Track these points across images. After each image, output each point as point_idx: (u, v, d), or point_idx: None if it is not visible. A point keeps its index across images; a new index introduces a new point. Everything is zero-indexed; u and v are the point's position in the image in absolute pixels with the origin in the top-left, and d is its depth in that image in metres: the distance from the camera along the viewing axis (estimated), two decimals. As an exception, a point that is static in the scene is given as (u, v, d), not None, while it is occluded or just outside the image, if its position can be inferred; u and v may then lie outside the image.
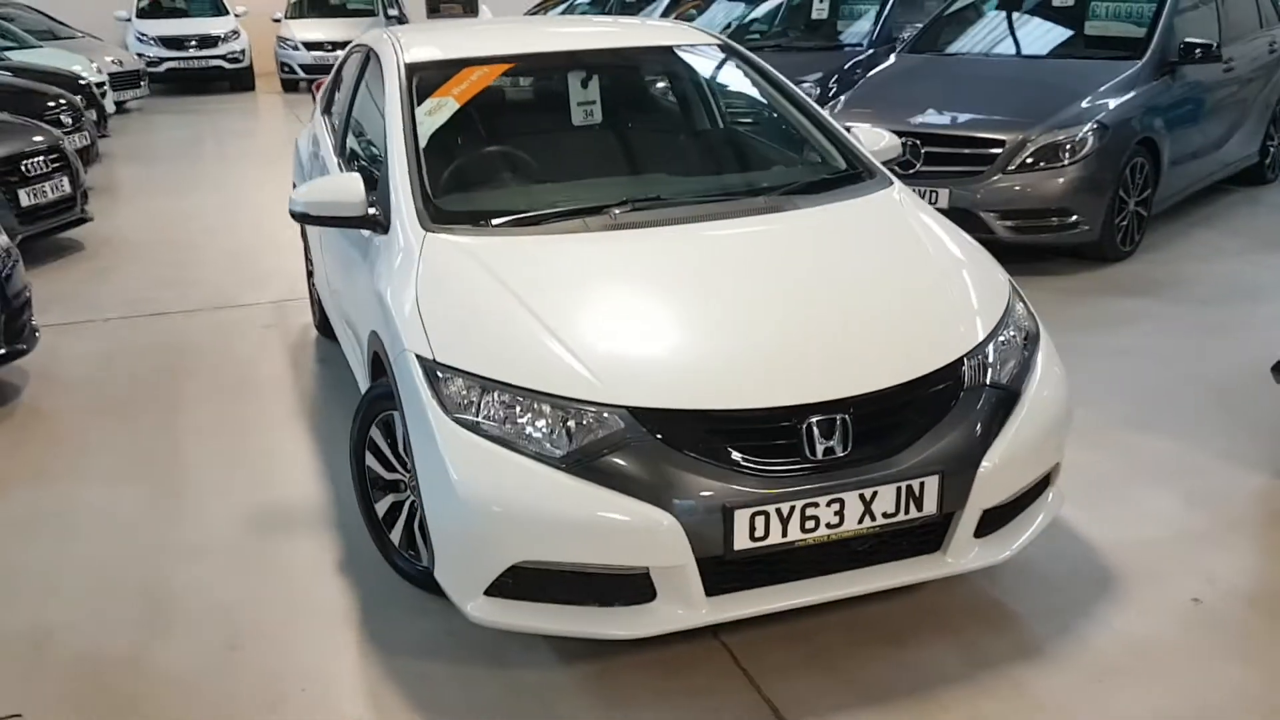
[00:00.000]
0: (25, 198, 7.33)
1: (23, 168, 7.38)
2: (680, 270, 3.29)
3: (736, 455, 2.78)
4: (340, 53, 19.18)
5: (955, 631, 3.16)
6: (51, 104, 9.94)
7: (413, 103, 3.88)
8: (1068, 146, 6.35)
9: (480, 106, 4.07)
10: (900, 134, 6.46)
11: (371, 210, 3.59)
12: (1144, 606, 3.27)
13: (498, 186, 3.95)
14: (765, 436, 2.81)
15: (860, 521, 2.84)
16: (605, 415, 2.78)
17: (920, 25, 8.46)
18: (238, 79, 18.48)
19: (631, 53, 4.45)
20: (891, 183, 3.82)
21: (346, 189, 3.61)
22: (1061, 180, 6.35)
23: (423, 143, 3.76)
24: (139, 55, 17.63)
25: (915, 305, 3.20)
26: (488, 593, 2.87)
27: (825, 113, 4.14)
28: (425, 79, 4.00)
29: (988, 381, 3.04)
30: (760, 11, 10.84)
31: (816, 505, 2.79)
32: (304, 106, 15.74)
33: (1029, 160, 6.36)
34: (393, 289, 3.28)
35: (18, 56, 13.17)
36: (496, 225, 3.44)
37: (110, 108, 14.05)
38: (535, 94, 4.51)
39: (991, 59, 7.60)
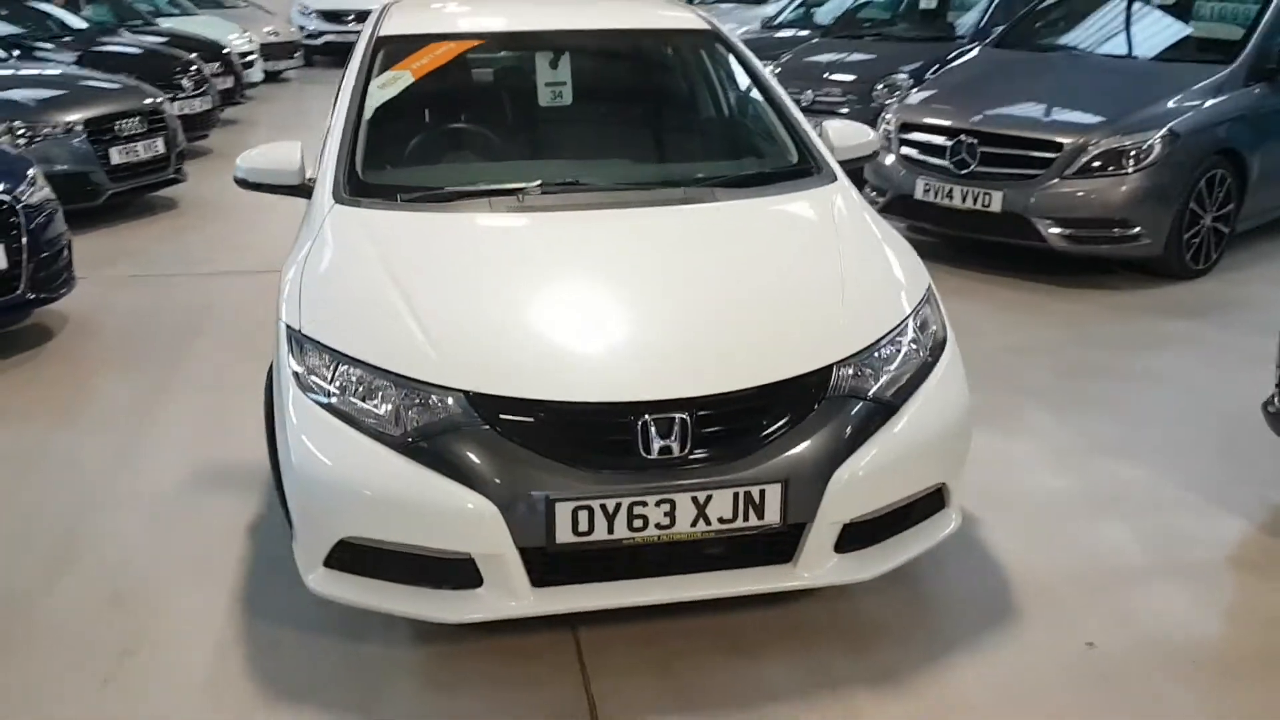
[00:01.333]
0: (116, 155, 7.73)
1: (116, 127, 7.79)
2: (563, 257, 3.23)
3: (565, 447, 2.72)
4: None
5: (813, 648, 3.03)
6: (178, 69, 10.46)
7: (369, 74, 3.91)
8: (1132, 153, 5.96)
9: (441, 82, 4.07)
10: (959, 131, 6.36)
11: (311, 179, 3.64)
12: (1030, 644, 3.06)
13: (430, 162, 3.94)
14: (598, 431, 2.74)
15: (694, 525, 2.74)
16: (445, 398, 2.75)
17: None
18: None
19: (613, 34, 4.37)
20: (835, 179, 3.66)
21: (283, 156, 3.67)
22: (1123, 189, 5.97)
23: (369, 114, 3.79)
24: (300, 28, 18.39)
25: (799, 307, 3.06)
26: (327, 564, 2.88)
27: (791, 105, 3.98)
28: (392, 51, 4.03)
29: (860, 391, 2.88)
30: (883, -2, 10.55)
31: (645, 505, 2.70)
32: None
33: (1089, 165, 6.00)
34: (292, 258, 3.32)
35: (170, 23, 13.91)
36: (406, 200, 3.44)
37: (258, 75, 14.70)
38: (504, 72, 4.49)
39: (1075, 57, 7.18)
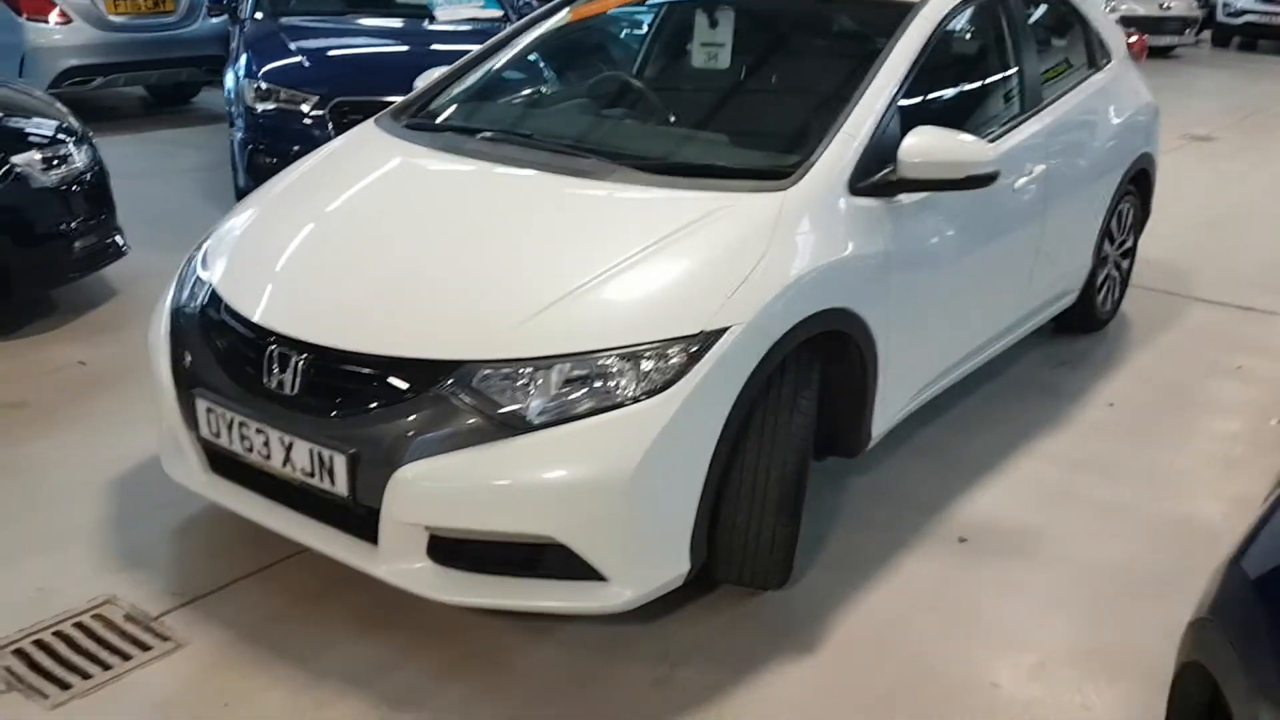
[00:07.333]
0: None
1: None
2: (406, 199, 3.29)
3: (228, 355, 2.92)
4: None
5: (425, 642, 2.85)
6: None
7: (542, 17, 4.14)
8: None
9: (601, 31, 4.11)
10: None
11: None
12: None
13: (499, 100, 4.03)
14: (245, 346, 2.88)
15: (284, 465, 2.77)
16: (203, 287, 3.12)
17: None
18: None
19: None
20: (783, 190, 3.00)
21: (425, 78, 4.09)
22: None
23: (510, 53, 4.04)
24: (1225, 5, 16.94)
25: (492, 300, 2.74)
26: None
27: (873, 105, 3.23)
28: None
29: (480, 398, 2.57)
30: None
31: (248, 428, 2.81)
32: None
33: None
34: None
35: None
36: (408, 128, 3.67)
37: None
38: (665, 28, 4.23)
39: None
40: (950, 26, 3.69)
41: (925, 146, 3.13)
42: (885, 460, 3.80)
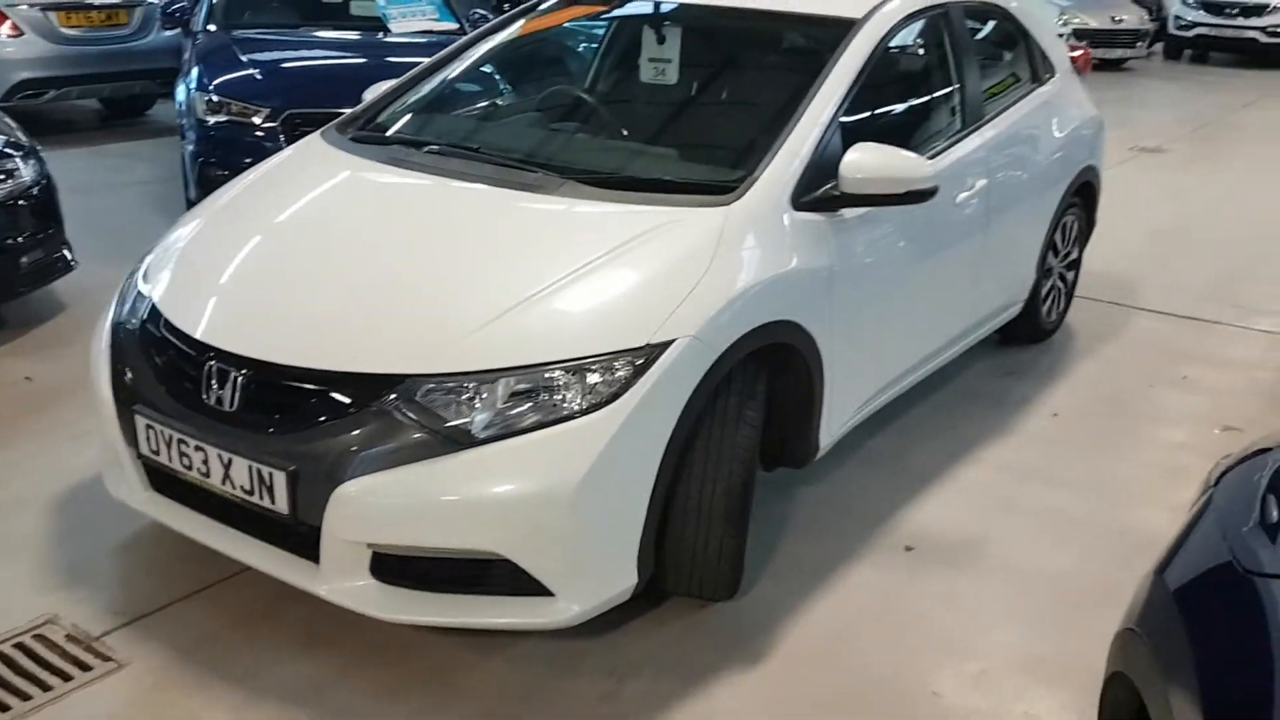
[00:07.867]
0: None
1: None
2: (347, 213, 3.29)
3: (167, 370, 2.90)
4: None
5: (338, 659, 2.81)
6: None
7: (496, 30, 4.14)
8: None
9: (551, 45, 4.13)
10: None
11: None
12: None
13: (450, 113, 4.04)
14: (184, 362, 2.86)
15: (224, 483, 2.75)
16: (142, 301, 3.10)
17: None
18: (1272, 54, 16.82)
19: (747, 16, 3.95)
20: (725, 205, 3.02)
21: (372, 92, 4.08)
22: None
23: (458, 66, 4.04)
24: (1177, 17, 17.18)
25: (435, 314, 2.75)
26: None
27: (814, 123, 3.26)
28: (541, 13, 4.18)
29: (423, 413, 2.56)
30: None
31: (187, 445, 2.79)
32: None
33: None
34: None
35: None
36: (354, 141, 3.66)
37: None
38: (615, 44, 4.26)
39: None
40: (892, 43, 3.73)
41: (865, 162, 3.17)
42: (833, 470, 3.83)
